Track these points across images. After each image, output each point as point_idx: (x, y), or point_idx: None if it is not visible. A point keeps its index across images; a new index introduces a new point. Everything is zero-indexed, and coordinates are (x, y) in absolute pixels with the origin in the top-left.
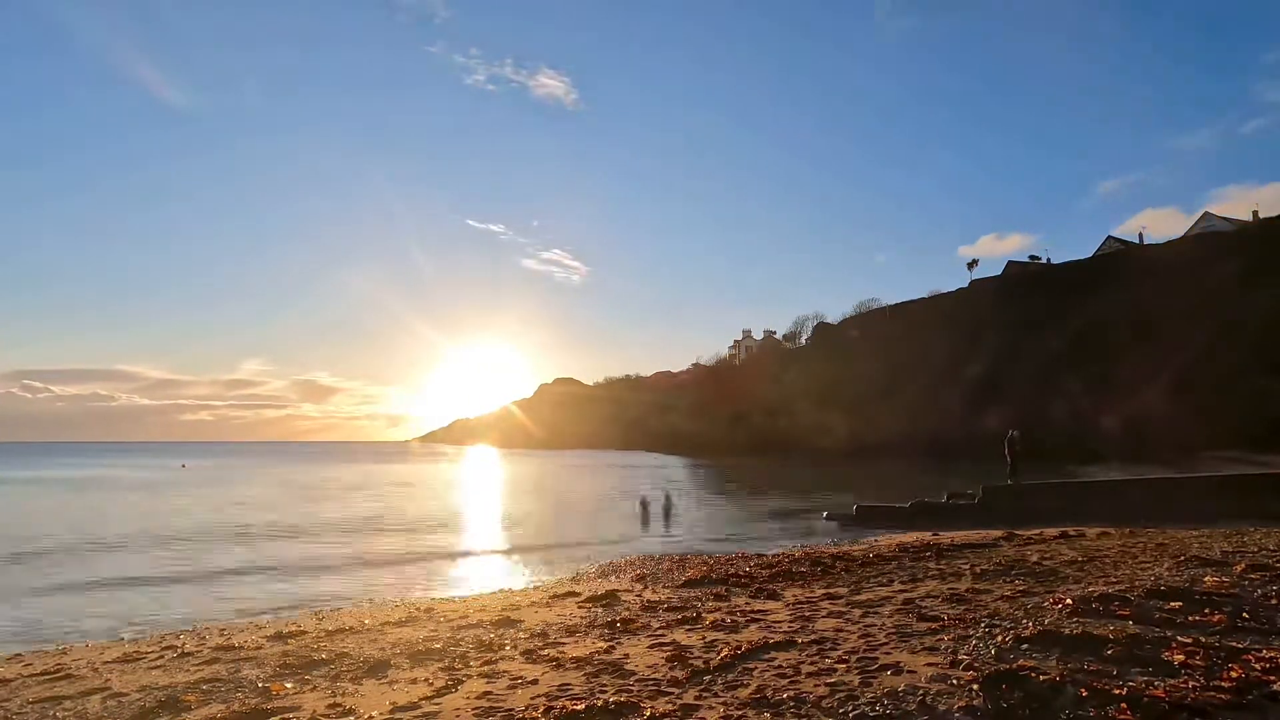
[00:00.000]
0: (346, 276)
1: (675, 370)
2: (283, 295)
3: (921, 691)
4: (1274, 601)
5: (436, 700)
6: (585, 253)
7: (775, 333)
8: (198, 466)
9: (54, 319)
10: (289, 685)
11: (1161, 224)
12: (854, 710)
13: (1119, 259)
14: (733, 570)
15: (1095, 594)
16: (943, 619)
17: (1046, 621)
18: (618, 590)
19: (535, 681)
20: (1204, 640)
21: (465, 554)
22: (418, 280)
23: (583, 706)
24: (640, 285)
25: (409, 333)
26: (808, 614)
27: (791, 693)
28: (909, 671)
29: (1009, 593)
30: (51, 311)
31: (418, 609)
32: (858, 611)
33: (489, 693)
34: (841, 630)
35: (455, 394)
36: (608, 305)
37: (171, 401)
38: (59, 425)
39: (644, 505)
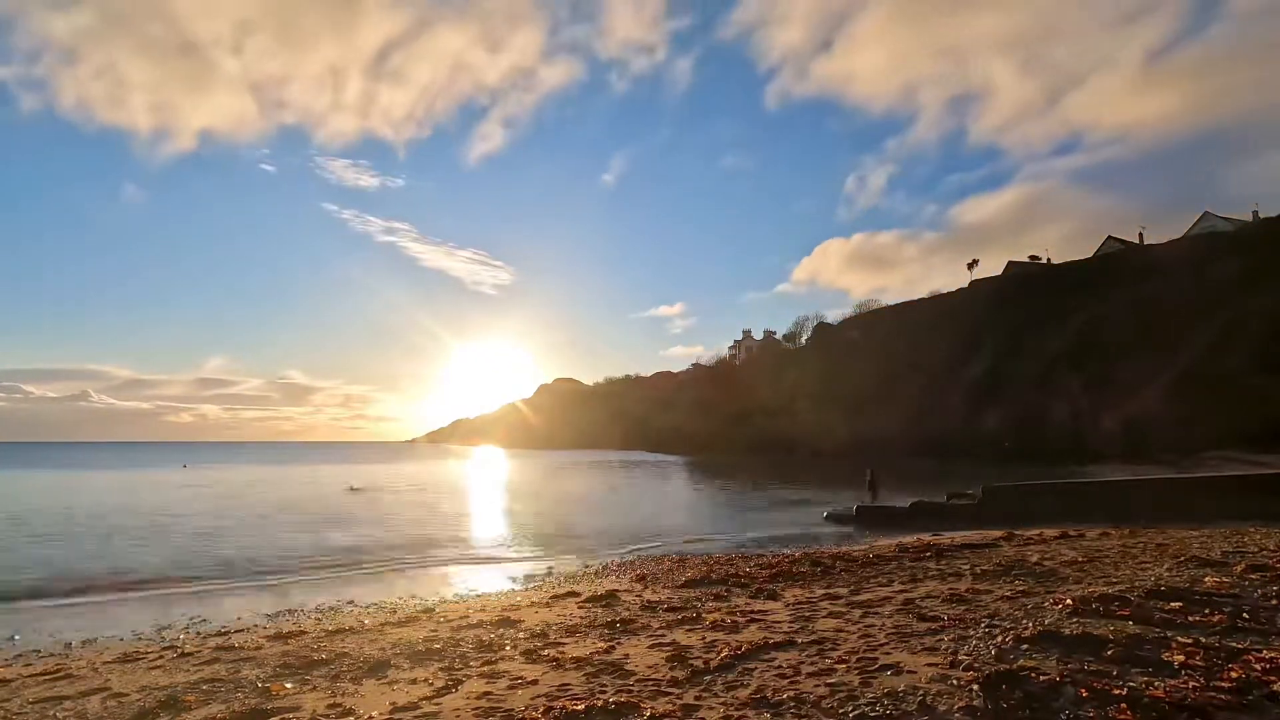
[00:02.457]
0: (310, 275)
1: (675, 370)
2: (245, 293)
3: (921, 692)
4: (1274, 602)
5: (436, 700)
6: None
7: (775, 333)
8: (213, 470)
9: (23, 317)
10: (289, 685)
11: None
12: (854, 710)
13: (1119, 259)
14: (732, 570)
15: (1095, 594)
16: (943, 619)
17: (1046, 622)
18: (618, 590)
19: (535, 682)
20: (1204, 640)
21: (465, 553)
22: (392, 279)
23: (583, 707)
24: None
25: (385, 332)
26: (808, 614)
27: (791, 693)
28: (909, 672)
29: (1009, 593)
30: (21, 310)
31: (418, 609)
32: (858, 612)
33: (489, 693)
34: (841, 630)
35: (447, 393)
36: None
37: (152, 404)
38: (41, 426)
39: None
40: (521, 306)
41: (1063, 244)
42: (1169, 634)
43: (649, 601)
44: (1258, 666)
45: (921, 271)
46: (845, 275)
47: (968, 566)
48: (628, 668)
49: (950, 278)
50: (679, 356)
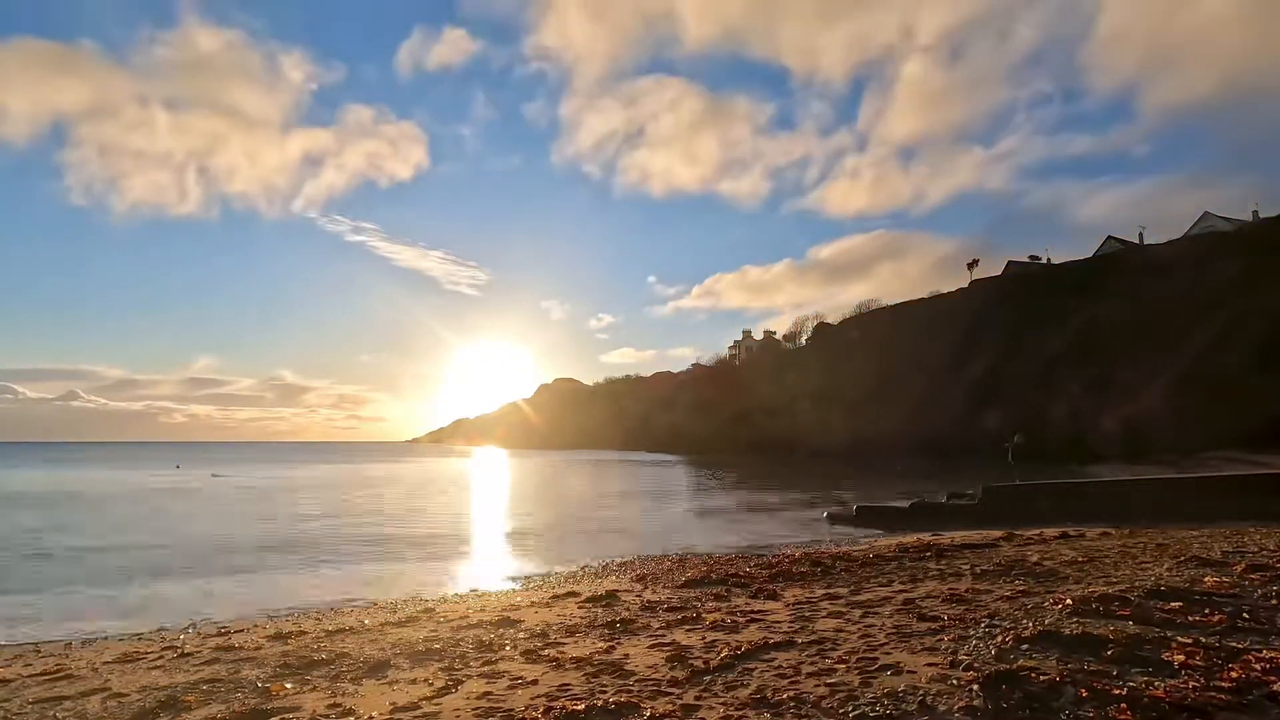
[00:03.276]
0: (288, 274)
1: (675, 371)
2: (226, 292)
3: (921, 692)
4: (1274, 602)
5: (436, 700)
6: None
7: (775, 333)
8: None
9: (12, 318)
10: (289, 685)
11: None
12: (854, 710)
13: (1119, 259)
14: (732, 570)
15: (1095, 594)
16: (943, 619)
17: (1046, 622)
18: (618, 590)
19: (535, 682)
20: (1204, 640)
21: (465, 554)
22: (370, 279)
23: (583, 707)
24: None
25: (373, 331)
26: (808, 614)
27: (792, 693)
28: (909, 672)
29: (1009, 593)
30: (9, 310)
31: (418, 609)
32: (858, 612)
33: (489, 693)
34: (841, 630)
35: (442, 393)
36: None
37: (144, 404)
38: (34, 426)
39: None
40: (503, 307)
41: (899, 277)
42: (1169, 634)
43: (649, 601)
44: (1258, 666)
45: (806, 294)
46: (736, 297)
47: (968, 566)
48: (628, 668)
49: (830, 301)
50: (615, 362)
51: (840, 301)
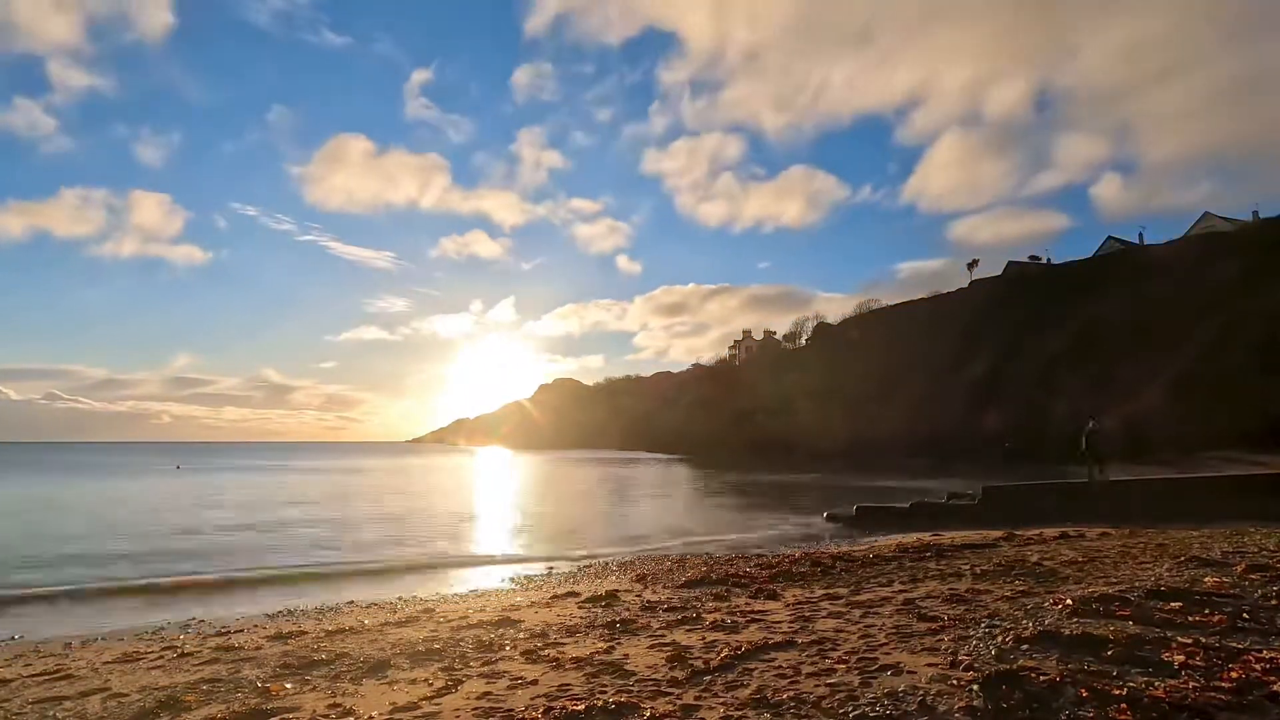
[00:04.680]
0: (257, 274)
1: (675, 371)
2: (202, 293)
3: (921, 692)
4: (1274, 602)
5: (436, 701)
6: None
7: (775, 333)
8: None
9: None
10: (289, 685)
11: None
12: (854, 710)
13: (1119, 259)
14: (732, 571)
15: (1095, 594)
16: (943, 619)
17: (1046, 622)
18: (618, 590)
19: (535, 682)
20: (1204, 640)
21: (466, 553)
22: (339, 279)
23: (583, 707)
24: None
25: (358, 330)
26: (808, 614)
27: (791, 693)
28: (909, 672)
29: (1009, 593)
30: None
31: (418, 609)
32: (858, 612)
33: (489, 693)
34: (841, 631)
35: (437, 393)
36: None
37: (129, 403)
38: (17, 428)
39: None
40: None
41: (724, 308)
42: (1169, 634)
43: (649, 601)
44: (1258, 666)
45: (660, 320)
46: (627, 323)
47: (968, 566)
48: (628, 668)
49: (678, 327)
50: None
51: (692, 324)
